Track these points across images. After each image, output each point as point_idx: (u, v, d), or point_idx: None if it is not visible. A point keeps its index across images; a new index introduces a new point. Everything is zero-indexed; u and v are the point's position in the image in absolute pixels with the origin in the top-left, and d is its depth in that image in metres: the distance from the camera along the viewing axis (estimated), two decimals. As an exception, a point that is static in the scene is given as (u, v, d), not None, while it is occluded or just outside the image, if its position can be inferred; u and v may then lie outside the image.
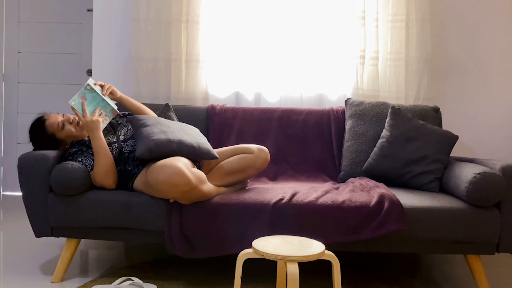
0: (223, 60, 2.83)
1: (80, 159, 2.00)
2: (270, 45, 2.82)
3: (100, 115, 2.02)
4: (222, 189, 2.02)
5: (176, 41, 2.75)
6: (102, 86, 2.09)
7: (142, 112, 2.23)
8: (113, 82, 2.88)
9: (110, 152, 1.98)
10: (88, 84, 2.02)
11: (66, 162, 1.94)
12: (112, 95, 2.13)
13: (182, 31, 2.77)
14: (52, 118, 2.10)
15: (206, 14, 2.78)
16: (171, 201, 1.88)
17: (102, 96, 2.04)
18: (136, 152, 1.92)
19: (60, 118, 2.11)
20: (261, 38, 2.82)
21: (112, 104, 2.07)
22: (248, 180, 2.17)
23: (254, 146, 2.12)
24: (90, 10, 3.74)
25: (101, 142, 1.96)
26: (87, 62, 3.80)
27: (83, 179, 1.93)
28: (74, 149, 2.05)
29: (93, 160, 1.99)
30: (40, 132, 2.09)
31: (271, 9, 2.81)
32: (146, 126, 1.99)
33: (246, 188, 2.12)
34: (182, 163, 1.82)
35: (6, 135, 3.96)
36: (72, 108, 1.98)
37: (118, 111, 2.10)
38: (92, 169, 1.98)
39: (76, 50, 3.88)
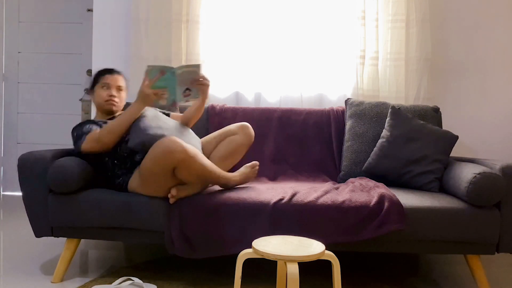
0: (223, 60, 2.83)
1: (85, 125, 2.01)
2: (270, 45, 2.82)
3: (161, 95, 1.96)
4: (231, 174, 2.04)
5: (176, 41, 2.75)
6: (199, 79, 2.03)
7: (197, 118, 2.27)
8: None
9: (129, 126, 1.97)
10: (176, 69, 1.95)
11: (62, 159, 1.94)
12: (201, 93, 2.08)
13: (182, 31, 2.77)
14: (109, 77, 2.16)
15: (206, 14, 2.79)
16: (171, 201, 1.88)
17: (175, 87, 1.97)
18: (129, 142, 1.94)
19: (118, 83, 2.16)
20: (261, 38, 2.82)
21: (179, 97, 2.00)
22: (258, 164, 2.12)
23: (234, 126, 2.18)
24: (90, 10, 3.74)
25: (133, 115, 1.97)
26: (87, 62, 3.80)
27: (80, 175, 1.93)
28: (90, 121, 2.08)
29: (99, 127, 2.00)
30: (95, 75, 2.20)
31: (271, 9, 2.81)
32: (144, 117, 2.01)
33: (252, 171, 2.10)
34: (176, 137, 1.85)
35: (6, 135, 3.96)
36: (146, 71, 1.94)
37: (175, 106, 2.05)
38: (91, 131, 1.97)
39: (76, 50, 3.88)
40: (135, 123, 1.99)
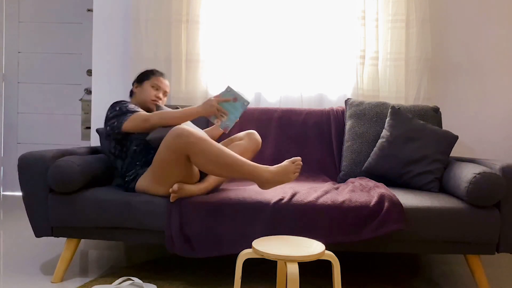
0: (223, 60, 2.83)
1: (126, 105, 2.08)
2: (270, 45, 2.82)
3: (222, 116, 2.02)
4: (257, 164, 1.89)
5: (176, 41, 2.76)
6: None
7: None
8: (113, 82, 2.91)
9: (180, 123, 2.01)
10: (247, 103, 2.04)
11: (62, 158, 1.95)
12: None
13: (182, 31, 2.77)
14: (162, 81, 2.27)
15: (206, 14, 2.79)
16: (171, 199, 1.88)
17: (239, 114, 2.04)
18: (148, 135, 1.98)
19: (166, 89, 2.29)
20: (261, 38, 2.82)
21: (233, 123, 2.05)
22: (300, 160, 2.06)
23: (241, 133, 2.20)
24: (90, 10, 3.74)
25: (190, 115, 2.01)
26: (87, 62, 3.80)
27: (80, 175, 1.93)
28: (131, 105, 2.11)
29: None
30: (147, 72, 2.29)
31: (271, 9, 2.81)
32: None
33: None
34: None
35: (6, 135, 3.96)
36: (225, 90, 2.04)
37: (226, 132, 2.10)
38: (138, 111, 2.04)
39: (76, 50, 3.88)
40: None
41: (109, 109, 2.11)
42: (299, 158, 1.87)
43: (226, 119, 2.03)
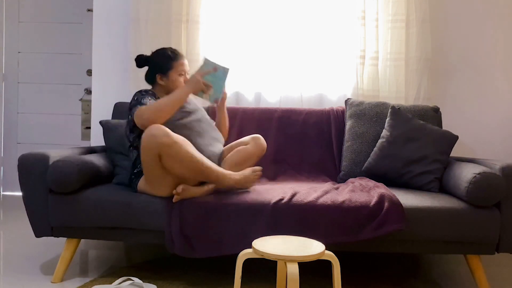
0: (223, 60, 2.83)
1: (144, 96, 2.01)
2: (270, 45, 2.82)
3: (208, 89, 2.04)
4: (225, 171, 1.96)
5: (176, 41, 2.75)
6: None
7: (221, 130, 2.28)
8: (113, 82, 2.91)
9: (176, 108, 1.97)
10: (227, 69, 2.05)
11: (62, 158, 1.95)
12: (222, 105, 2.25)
13: (182, 31, 2.77)
14: (185, 64, 2.18)
15: (206, 14, 2.79)
16: (174, 199, 1.88)
17: (224, 84, 2.06)
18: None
19: (188, 68, 2.20)
20: (261, 38, 2.82)
21: (220, 94, 2.06)
22: (261, 170, 2.08)
23: (247, 137, 2.21)
24: (90, 10, 3.74)
25: (182, 95, 1.97)
26: (87, 62, 3.80)
27: (79, 175, 1.93)
28: (147, 94, 2.05)
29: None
30: (166, 58, 2.14)
31: (271, 9, 2.81)
32: (183, 118, 2.03)
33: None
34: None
35: (6, 135, 3.96)
36: (203, 63, 2.06)
37: (217, 103, 2.15)
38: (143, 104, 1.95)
39: (76, 50, 3.88)
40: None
41: (132, 98, 2.06)
42: (259, 168, 2.04)
43: (212, 92, 2.05)
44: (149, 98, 2.01)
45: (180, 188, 1.86)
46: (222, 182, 1.94)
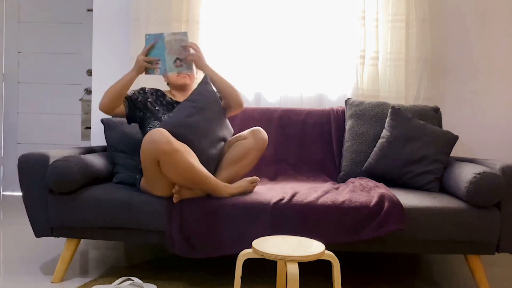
0: (223, 60, 2.83)
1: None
2: (270, 45, 2.82)
3: (155, 64, 2.05)
4: (222, 183, 1.94)
5: (176, 41, 2.75)
6: (189, 48, 2.10)
7: (230, 98, 2.13)
8: (113, 82, 2.89)
9: (124, 88, 2.09)
10: (164, 35, 2.03)
11: (62, 158, 1.95)
12: (197, 63, 2.13)
13: (182, 31, 2.77)
14: None
15: (206, 14, 2.79)
16: (174, 200, 1.88)
17: (165, 54, 2.04)
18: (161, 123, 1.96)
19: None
20: (261, 38, 2.82)
21: (169, 66, 2.05)
22: (259, 180, 2.06)
23: (246, 131, 2.12)
24: (90, 10, 3.74)
25: (126, 77, 2.09)
26: (87, 62, 3.80)
27: (79, 174, 1.93)
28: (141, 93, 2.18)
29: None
30: None
31: (271, 9, 2.81)
32: (192, 116, 1.99)
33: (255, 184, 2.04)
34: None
35: (6, 135, 3.96)
36: (146, 38, 2.08)
37: (168, 76, 2.12)
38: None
39: (76, 50, 3.88)
40: (179, 111, 2.00)
41: None
42: (256, 178, 2.00)
43: (161, 65, 2.05)
44: (134, 91, 2.18)
45: (176, 188, 1.86)
46: (219, 195, 1.91)
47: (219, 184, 1.92)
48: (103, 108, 2.09)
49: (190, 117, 1.98)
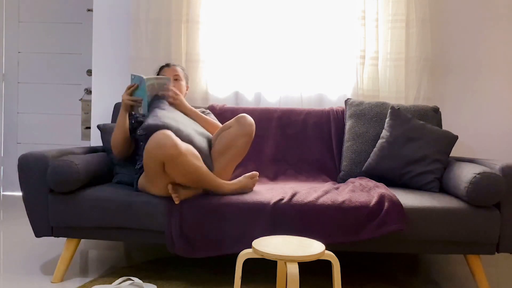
0: (223, 60, 2.83)
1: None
2: (270, 45, 2.82)
3: (139, 102, 2.09)
4: (228, 181, 1.98)
5: (176, 41, 2.75)
6: (168, 90, 2.17)
7: (212, 132, 2.20)
8: (113, 82, 2.90)
9: (123, 131, 2.11)
10: (146, 80, 2.07)
11: (62, 158, 1.95)
12: (178, 107, 2.20)
13: (182, 31, 2.77)
14: (169, 70, 2.39)
15: (206, 14, 2.79)
16: (176, 201, 1.87)
17: (146, 97, 2.08)
18: (142, 125, 1.95)
19: (174, 73, 2.36)
20: (261, 38, 2.82)
21: (145, 108, 2.09)
22: (258, 174, 2.07)
23: (230, 120, 2.11)
24: (90, 10, 3.74)
25: (119, 120, 2.12)
26: (87, 62, 3.80)
27: (79, 174, 1.93)
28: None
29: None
30: (159, 69, 2.44)
31: (271, 9, 2.81)
32: (163, 109, 2.05)
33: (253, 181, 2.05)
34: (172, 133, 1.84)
35: (6, 135, 3.96)
36: (131, 78, 2.12)
37: (145, 113, 2.13)
38: None
39: (76, 50, 3.88)
40: (154, 110, 2.03)
41: None
42: (256, 173, 2.03)
43: (142, 104, 2.09)
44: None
45: (171, 186, 1.86)
46: (220, 192, 1.94)
47: (220, 182, 1.95)
48: (120, 158, 2.18)
49: (169, 111, 2.06)
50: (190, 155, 1.84)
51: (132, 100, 2.10)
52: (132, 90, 2.10)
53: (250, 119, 2.04)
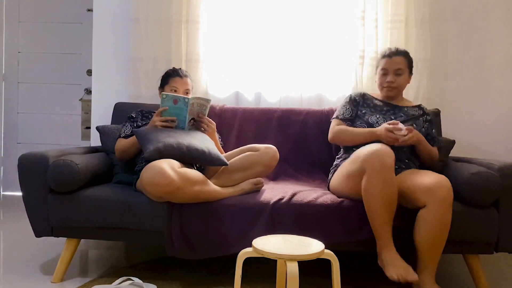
0: (223, 60, 2.84)
1: (125, 124, 2.21)
2: (270, 45, 2.82)
3: (171, 123, 2.04)
4: (230, 190, 1.97)
5: (176, 41, 2.76)
6: (204, 116, 2.14)
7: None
8: (113, 82, 2.91)
9: (138, 148, 2.09)
10: (190, 99, 2.03)
11: (61, 158, 1.95)
12: (210, 135, 2.16)
13: (182, 31, 2.77)
14: (178, 81, 2.25)
15: (206, 14, 2.79)
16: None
17: (187, 115, 2.05)
18: (144, 153, 1.88)
19: (186, 87, 2.26)
20: (261, 38, 2.82)
21: (185, 123, 2.06)
22: (263, 182, 2.08)
23: (261, 145, 2.11)
24: (90, 10, 3.74)
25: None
26: (87, 62, 3.81)
27: (80, 174, 1.93)
28: (134, 114, 2.26)
29: (131, 129, 2.18)
30: (166, 74, 2.31)
31: (271, 9, 2.81)
32: (152, 133, 1.98)
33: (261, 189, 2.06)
34: (167, 163, 1.78)
35: (6, 135, 3.96)
36: (162, 98, 2.06)
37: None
38: (121, 137, 2.17)
39: (76, 50, 3.88)
40: (145, 137, 1.96)
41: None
42: (260, 179, 2.04)
43: (177, 124, 2.06)
44: (129, 125, 2.20)
45: None
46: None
47: (223, 193, 1.94)
48: (121, 160, 2.19)
49: (165, 137, 1.95)
50: (187, 184, 1.79)
51: (164, 121, 2.04)
52: (164, 110, 2.04)
53: (276, 152, 2.09)
